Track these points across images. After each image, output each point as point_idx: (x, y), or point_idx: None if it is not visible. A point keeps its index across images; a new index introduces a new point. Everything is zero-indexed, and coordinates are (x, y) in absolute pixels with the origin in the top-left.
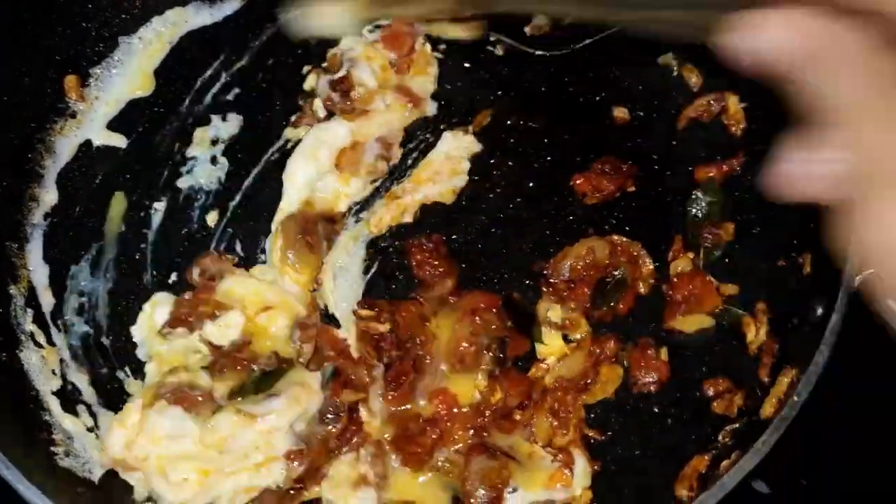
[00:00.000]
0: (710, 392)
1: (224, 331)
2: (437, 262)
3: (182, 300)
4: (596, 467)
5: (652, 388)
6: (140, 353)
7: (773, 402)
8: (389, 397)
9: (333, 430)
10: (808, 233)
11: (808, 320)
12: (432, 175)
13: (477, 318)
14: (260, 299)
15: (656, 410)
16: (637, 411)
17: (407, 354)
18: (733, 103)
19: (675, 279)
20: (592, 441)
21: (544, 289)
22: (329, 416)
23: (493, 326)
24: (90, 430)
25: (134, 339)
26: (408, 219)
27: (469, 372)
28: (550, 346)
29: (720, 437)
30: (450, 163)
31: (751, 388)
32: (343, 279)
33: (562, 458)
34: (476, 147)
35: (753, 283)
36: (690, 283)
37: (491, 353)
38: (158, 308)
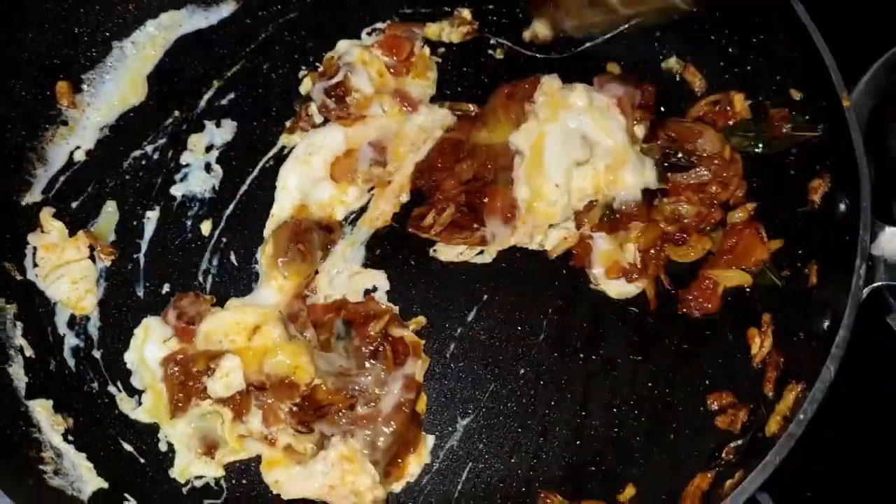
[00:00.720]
0: (714, 406)
1: (227, 380)
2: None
3: (172, 381)
4: None
5: (697, 314)
6: (135, 382)
7: (777, 419)
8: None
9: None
10: (815, 242)
11: (814, 334)
12: (410, 147)
13: None
14: (243, 326)
15: (658, 425)
16: (638, 426)
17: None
18: (739, 100)
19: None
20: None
21: None
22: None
23: None
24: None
25: (128, 367)
26: (405, 198)
27: None
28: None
29: (723, 454)
30: (424, 133)
31: (755, 403)
32: (340, 279)
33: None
34: (450, 119)
35: (759, 294)
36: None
37: None
38: (149, 337)
